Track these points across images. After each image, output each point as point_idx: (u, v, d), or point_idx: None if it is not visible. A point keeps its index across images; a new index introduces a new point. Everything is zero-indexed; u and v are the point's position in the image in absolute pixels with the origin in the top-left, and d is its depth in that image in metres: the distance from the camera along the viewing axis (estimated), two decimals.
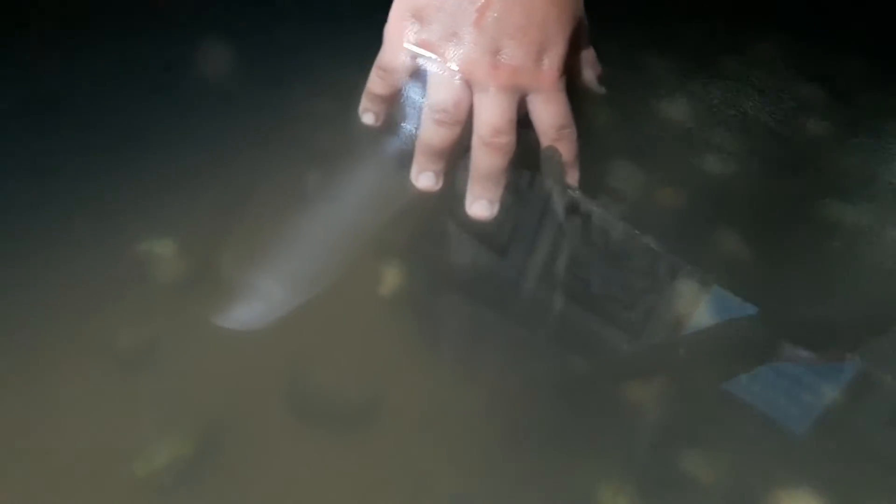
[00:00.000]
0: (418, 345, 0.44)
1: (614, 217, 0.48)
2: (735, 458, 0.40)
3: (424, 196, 0.47)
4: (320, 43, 0.57)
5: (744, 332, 0.45)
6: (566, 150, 0.46)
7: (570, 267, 0.46)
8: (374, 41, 0.47)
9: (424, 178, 0.47)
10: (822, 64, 0.63)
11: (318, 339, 0.42)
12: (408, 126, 0.48)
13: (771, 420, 0.42)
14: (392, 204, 0.48)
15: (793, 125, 0.57)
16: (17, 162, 0.47)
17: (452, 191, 0.47)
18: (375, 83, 0.47)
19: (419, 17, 0.44)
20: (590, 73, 0.51)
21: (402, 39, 0.45)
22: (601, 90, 0.52)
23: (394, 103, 0.48)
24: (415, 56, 0.45)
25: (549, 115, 0.45)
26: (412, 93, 0.46)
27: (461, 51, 0.44)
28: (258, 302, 0.43)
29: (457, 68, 0.44)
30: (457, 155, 0.46)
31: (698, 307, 0.46)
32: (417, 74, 0.45)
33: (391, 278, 0.44)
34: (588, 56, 0.50)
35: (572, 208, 0.47)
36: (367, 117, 0.49)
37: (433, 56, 0.44)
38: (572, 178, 0.47)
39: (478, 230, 0.47)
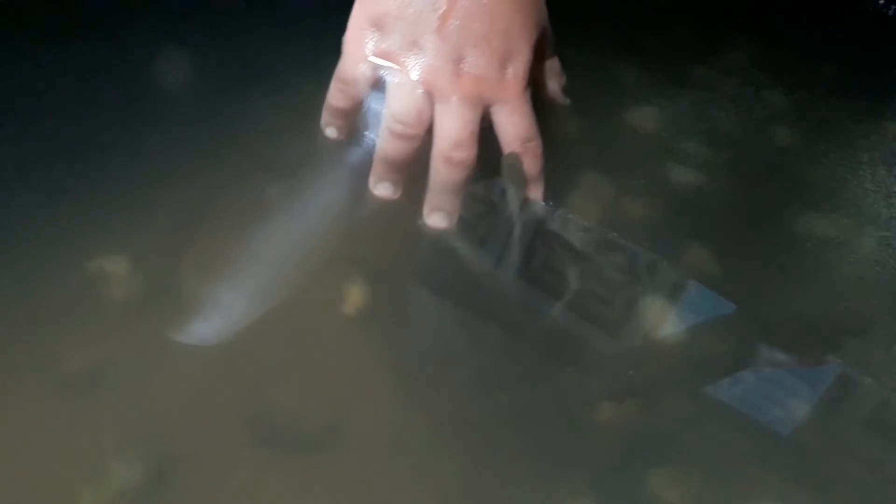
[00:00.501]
0: (382, 366, 0.42)
1: (579, 232, 0.47)
2: (706, 476, 0.39)
3: (389, 209, 0.46)
4: (283, 53, 0.56)
5: (714, 346, 0.45)
6: (531, 163, 0.45)
7: (536, 285, 0.45)
8: (338, 50, 0.46)
9: (382, 188, 0.46)
10: (792, 72, 0.63)
11: (278, 360, 0.41)
12: (372, 136, 0.47)
13: (743, 435, 0.41)
14: (356, 217, 0.47)
15: (763, 134, 0.57)
16: None
17: (418, 205, 0.46)
18: (335, 96, 0.46)
19: (379, 25, 0.43)
20: (554, 83, 0.50)
21: (361, 50, 0.44)
22: (566, 101, 0.51)
23: (356, 115, 0.47)
24: (375, 66, 0.44)
25: (514, 126, 0.44)
26: (374, 103, 0.45)
27: (422, 60, 0.43)
28: (215, 321, 0.42)
29: (418, 78, 0.43)
30: (418, 164, 0.45)
31: (667, 322, 0.45)
32: (378, 85, 0.44)
33: (355, 296, 0.43)
34: (552, 66, 0.49)
35: (535, 225, 0.46)
36: (330, 131, 0.48)
37: (394, 66, 0.43)
38: (536, 193, 0.46)
39: (445, 246, 0.46)
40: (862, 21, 0.70)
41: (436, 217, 0.45)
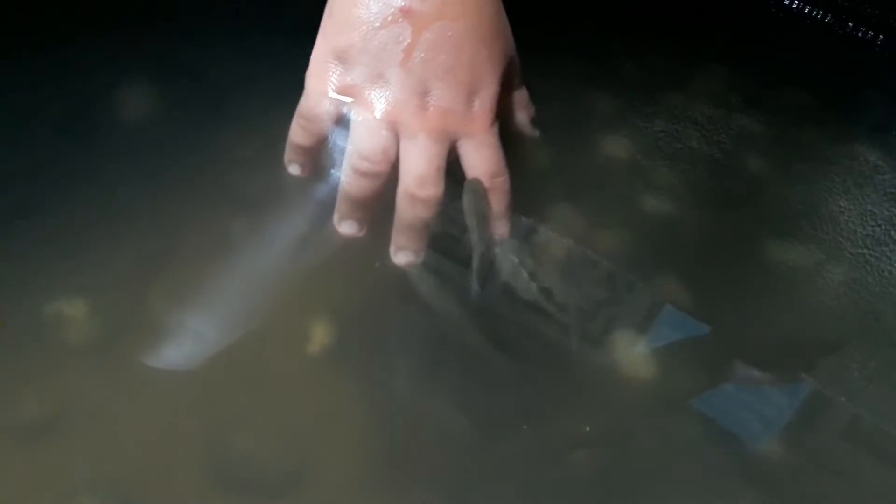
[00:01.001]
0: (346, 408, 0.41)
1: (550, 267, 0.46)
2: None
3: (353, 246, 0.45)
4: (249, 86, 0.55)
5: (687, 377, 0.44)
6: (498, 200, 0.45)
7: (504, 322, 0.44)
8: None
9: (346, 226, 0.45)
10: (763, 97, 0.63)
11: (241, 402, 0.40)
12: (336, 173, 0.45)
13: (717, 467, 0.41)
14: (321, 254, 0.46)
15: (736, 159, 0.57)
16: None
17: (383, 242, 0.45)
18: (297, 133, 0.45)
19: (342, 58, 0.42)
20: (523, 115, 0.49)
21: (324, 84, 0.43)
22: (535, 133, 0.50)
23: (319, 152, 0.45)
24: (338, 102, 0.43)
25: (481, 161, 0.44)
26: (338, 140, 0.44)
27: (387, 93, 0.42)
28: (176, 363, 0.41)
29: (383, 112, 0.42)
30: (384, 201, 0.44)
31: (640, 354, 0.44)
32: (342, 121, 0.43)
33: (320, 335, 0.42)
34: (521, 97, 0.49)
35: (502, 261, 0.45)
36: (293, 168, 0.47)
37: (357, 101, 0.42)
38: (502, 229, 0.45)
39: (411, 284, 0.45)
40: (832, 45, 0.70)
41: (402, 256, 0.44)
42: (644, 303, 0.47)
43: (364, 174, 0.42)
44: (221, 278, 0.44)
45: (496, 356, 0.44)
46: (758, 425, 0.43)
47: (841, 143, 0.60)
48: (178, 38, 0.57)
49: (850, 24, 0.70)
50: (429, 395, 0.43)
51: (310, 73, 0.44)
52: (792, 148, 0.59)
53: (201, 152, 0.50)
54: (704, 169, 0.56)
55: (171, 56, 0.56)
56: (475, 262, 0.44)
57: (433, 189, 0.42)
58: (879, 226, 0.52)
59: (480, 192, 0.44)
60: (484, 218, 0.44)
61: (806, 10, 0.71)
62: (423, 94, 0.42)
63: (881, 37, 0.69)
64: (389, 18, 0.41)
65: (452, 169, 0.43)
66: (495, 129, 0.44)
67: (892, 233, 0.52)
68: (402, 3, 0.41)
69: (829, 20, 0.71)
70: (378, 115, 0.42)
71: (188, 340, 0.41)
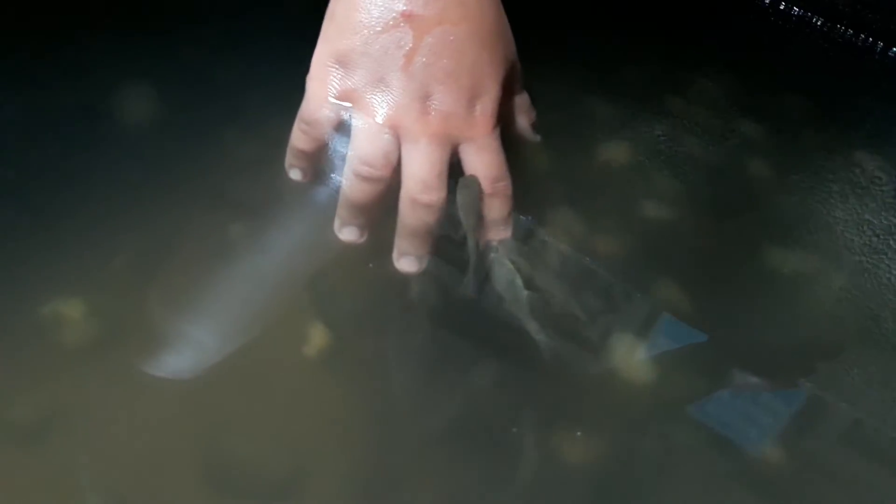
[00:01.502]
0: (343, 411, 0.41)
1: (549, 272, 0.46)
2: None
3: (352, 250, 0.45)
4: (251, 88, 0.55)
5: (685, 383, 0.44)
6: (499, 205, 0.44)
7: (503, 326, 0.44)
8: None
9: (347, 232, 0.44)
10: (763, 103, 0.63)
11: (238, 405, 0.40)
12: (337, 178, 0.45)
13: (714, 469, 0.41)
14: (319, 258, 0.46)
15: (735, 165, 0.57)
16: None
17: (384, 245, 0.45)
18: (299, 138, 0.45)
19: (343, 62, 0.42)
20: (524, 119, 0.49)
21: (325, 88, 0.43)
22: (536, 138, 0.50)
23: (320, 156, 0.45)
24: (339, 107, 0.43)
25: (483, 166, 0.43)
26: (339, 145, 0.44)
27: (389, 97, 0.42)
28: (173, 365, 0.41)
29: (385, 116, 0.42)
30: (385, 206, 0.43)
31: (638, 359, 0.44)
32: (343, 126, 0.43)
33: (317, 338, 0.42)
34: (522, 101, 0.49)
35: (502, 266, 0.45)
36: (294, 173, 0.46)
37: (358, 105, 0.42)
38: (504, 234, 0.45)
39: (408, 288, 0.45)
40: (832, 52, 0.70)
41: (405, 262, 0.44)
42: (642, 308, 0.47)
43: (365, 179, 0.42)
44: (220, 281, 0.44)
45: (493, 360, 0.44)
46: (757, 431, 0.43)
47: (840, 149, 0.60)
48: (179, 41, 0.57)
49: (850, 30, 0.70)
50: (425, 398, 0.43)
51: (310, 76, 0.44)
52: (791, 154, 0.59)
53: (201, 156, 0.50)
54: (704, 174, 0.56)
55: (172, 58, 0.56)
56: (471, 260, 0.44)
57: (436, 194, 0.42)
58: (877, 234, 0.52)
59: (475, 188, 0.43)
60: (478, 215, 0.44)
61: (806, 17, 0.72)
62: (425, 98, 0.42)
63: (881, 43, 0.69)
64: (391, 23, 0.41)
65: (454, 173, 0.43)
66: (497, 134, 0.44)
67: (890, 240, 0.52)
68: (404, 8, 0.41)
69: (829, 27, 0.71)
70: (379, 119, 0.42)
71: (186, 343, 0.41)
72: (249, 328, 0.42)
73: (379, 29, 0.41)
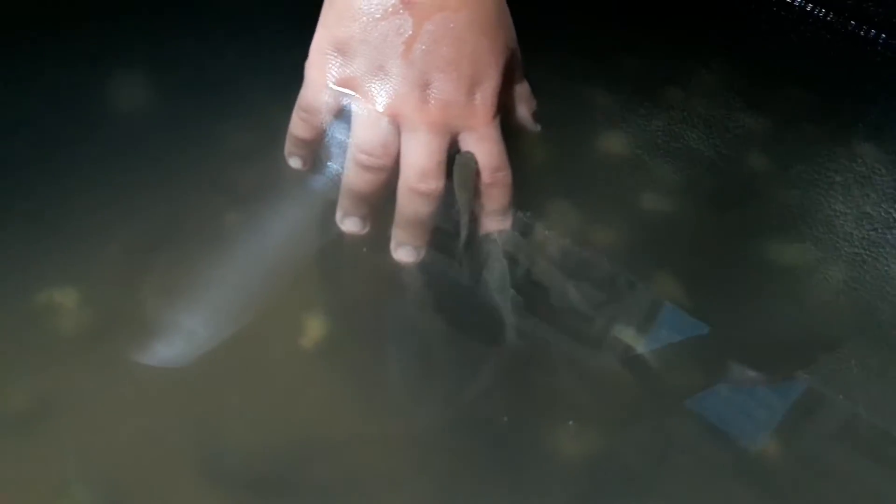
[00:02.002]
0: (340, 402, 0.41)
1: (547, 262, 0.46)
2: None
3: (349, 240, 0.45)
4: (249, 76, 0.54)
5: (683, 375, 0.44)
6: (499, 195, 0.44)
7: (501, 316, 0.44)
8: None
9: (350, 223, 0.44)
10: (763, 95, 0.63)
11: (234, 396, 0.40)
12: (336, 166, 0.45)
13: (712, 462, 0.41)
14: (316, 247, 0.45)
15: (735, 157, 0.57)
16: None
17: (382, 234, 0.44)
18: (298, 126, 0.44)
19: (342, 50, 0.42)
20: (524, 109, 0.49)
21: (324, 76, 0.42)
22: (536, 128, 0.50)
23: (320, 145, 0.45)
24: (338, 94, 0.42)
25: (483, 155, 0.43)
26: (339, 132, 0.44)
27: (388, 85, 0.41)
28: (168, 354, 0.41)
29: (384, 105, 0.41)
30: (386, 195, 0.43)
31: (637, 351, 0.44)
32: (342, 114, 0.43)
33: (314, 329, 0.42)
34: (522, 91, 0.48)
35: (501, 256, 0.45)
36: (294, 161, 0.46)
37: (358, 93, 0.42)
38: (504, 223, 0.45)
39: (406, 278, 0.45)
40: (834, 44, 0.70)
41: (403, 252, 0.44)
42: (640, 300, 0.47)
43: (366, 168, 0.42)
44: (216, 271, 0.44)
45: (490, 351, 0.44)
46: (755, 424, 0.43)
47: (841, 141, 0.59)
48: (176, 29, 0.57)
49: (853, 22, 0.70)
50: (422, 389, 0.43)
51: (309, 64, 0.43)
52: (791, 146, 0.59)
53: (198, 144, 0.50)
54: (703, 166, 0.55)
55: (169, 46, 0.56)
56: (462, 235, 0.43)
57: (434, 183, 0.42)
58: (876, 227, 0.52)
59: (471, 165, 0.43)
60: (473, 191, 0.43)
61: (808, 8, 0.71)
62: (425, 86, 0.41)
63: (883, 35, 0.69)
64: (390, 9, 0.41)
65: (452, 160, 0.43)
66: (497, 123, 0.44)
67: (889, 233, 0.52)
68: None
69: (832, 18, 0.70)
70: (379, 107, 0.41)
71: (181, 333, 0.41)
72: (246, 318, 0.42)
73: (378, 16, 0.41)
